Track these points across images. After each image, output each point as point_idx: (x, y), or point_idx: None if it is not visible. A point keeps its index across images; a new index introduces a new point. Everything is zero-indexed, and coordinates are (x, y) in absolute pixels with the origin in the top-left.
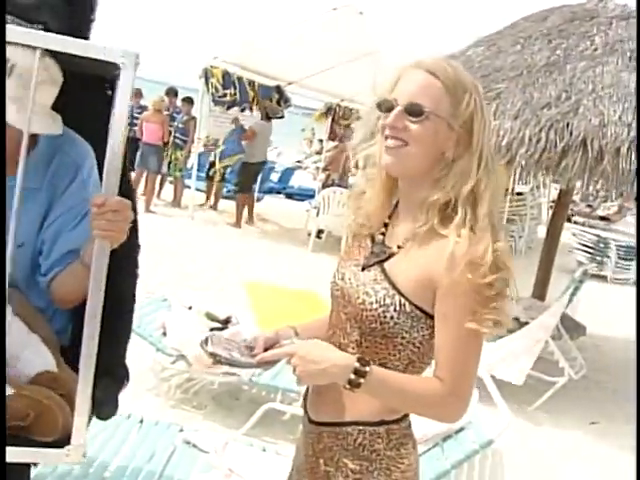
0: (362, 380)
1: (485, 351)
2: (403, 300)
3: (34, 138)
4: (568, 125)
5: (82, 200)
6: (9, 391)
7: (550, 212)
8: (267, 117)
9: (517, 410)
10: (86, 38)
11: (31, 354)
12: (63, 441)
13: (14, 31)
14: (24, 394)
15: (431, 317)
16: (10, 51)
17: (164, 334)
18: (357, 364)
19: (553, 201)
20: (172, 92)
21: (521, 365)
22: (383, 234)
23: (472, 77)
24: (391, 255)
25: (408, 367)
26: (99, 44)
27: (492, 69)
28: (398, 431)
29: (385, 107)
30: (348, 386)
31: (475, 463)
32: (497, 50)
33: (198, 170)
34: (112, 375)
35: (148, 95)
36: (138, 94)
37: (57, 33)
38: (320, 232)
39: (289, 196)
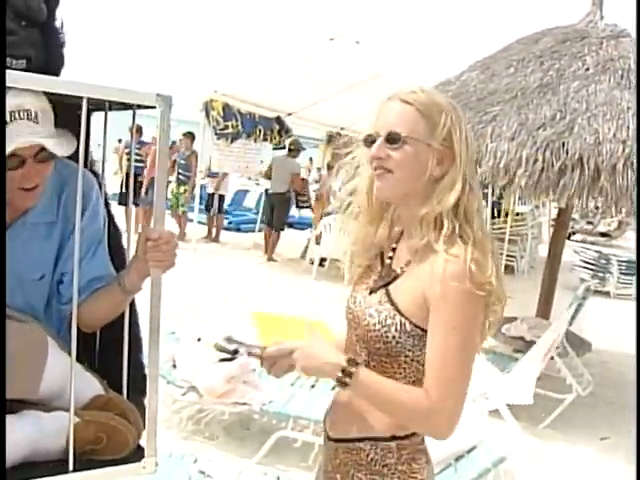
0: (348, 380)
1: (501, 382)
2: (403, 320)
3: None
4: (564, 144)
5: (96, 229)
6: (75, 420)
7: (551, 231)
8: (289, 150)
9: (527, 428)
10: (61, 66)
11: (80, 382)
12: (131, 456)
13: (56, 82)
14: (89, 419)
15: None
16: (26, 102)
17: (174, 366)
18: (345, 364)
19: (554, 219)
20: (190, 135)
21: (526, 384)
22: (391, 258)
23: (447, 98)
24: (395, 277)
25: (415, 384)
26: (136, 90)
27: (487, 92)
28: (409, 446)
29: (369, 141)
30: (337, 383)
31: None
32: (491, 74)
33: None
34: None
35: (147, 130)
36: (138, 130)
37: (39, 65)
38: (323, 260)
39: (290, 225)
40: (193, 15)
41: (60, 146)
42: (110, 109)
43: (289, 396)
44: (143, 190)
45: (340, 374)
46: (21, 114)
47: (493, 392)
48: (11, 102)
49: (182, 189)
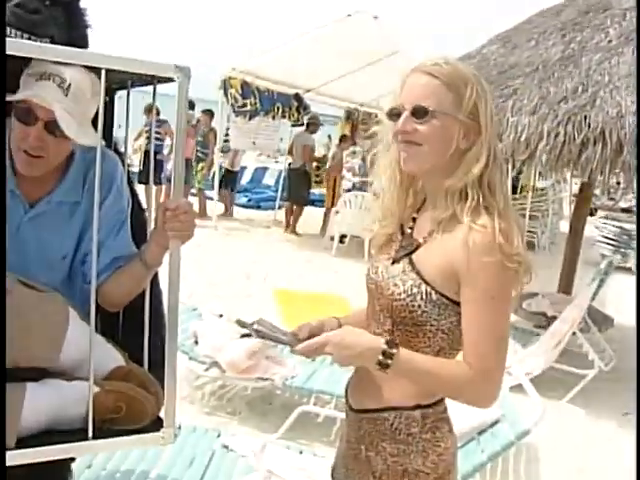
0: (390, 361)
1: (521, 357)
2: (429, 289)
3: (71, 154)
4: (586, 118)
5: (119, 210)
6: (94, 389)
7: (572, 206)
8: (308, 126)
9: (549, 404)
10: (85, 46)
11: (101, 353)
12: (151, 427)
13: (74, 52)
14: (109, 389)
15: (457, 304)
16: (66, 72)
17: (196, 342)
18: (385, 346)
19: (575, 195)
20: (209, 113)
21: (547, 357)
22: (411, 228)
23: (471, 69)
24: (418, 246)
25: (439, 354)
26: (154, 61)
27: (508, 66)
28: (433, 415)
29: (394, 114)
30: (378, 367)
31: (510, 458)
32: (512, 46)
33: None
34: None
35: (165, 110)
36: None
37: (62, 44)
38: (343, 237)
39: (310, 202)
40: None
41: (71, 127)
42: (132, 86)
43: (311, 371)
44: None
45: (381, 357)
46: (54, 78)
47: (515, 367)
48: (48, 69)
49: (200, 166)
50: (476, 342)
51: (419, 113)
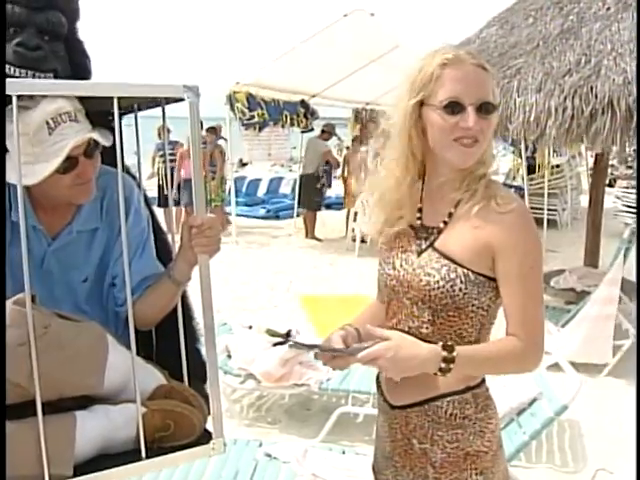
0: (452, 365)
1: (558, 338)
2: (466, 271)
3: None
4: (592, 89)
5: (141, 231)
6: (142, 410)
7: (590, 180)
8: (322, 132)
9: (588, 379)
10: (88, 75)
11: (142, 374)
12: (200, 440)
13: (85, 85)
14: (155, 408)
15: (492, 279)
16: (67, 106)
17: (229, 357)
18: (444, 353)
19: (591, 168)
20: (213, 130)
21: (604, 346)
22: (419, 217)
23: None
24: (439, 232)
25: (481, 331)
26: (163, 84)
27: (508, 46)
28: (482, 394)
29: (453, 108)
30: (439, 373)
31: (554, 437)
32: (510, 27)
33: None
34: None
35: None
36: (167, 130)
37: (66, 76)
38: (364, 237)
39: (328, 206)
40: (199, 13)
41: (105, 137)
42: (139, 109)
43: (345, 372)
44: (174, 187)
45: (443, 364)
46: (63, 117)
47: (551, 346)
48: (49, 108)
49: (212, 184)
50: (522, 313)
51: (487, 109)
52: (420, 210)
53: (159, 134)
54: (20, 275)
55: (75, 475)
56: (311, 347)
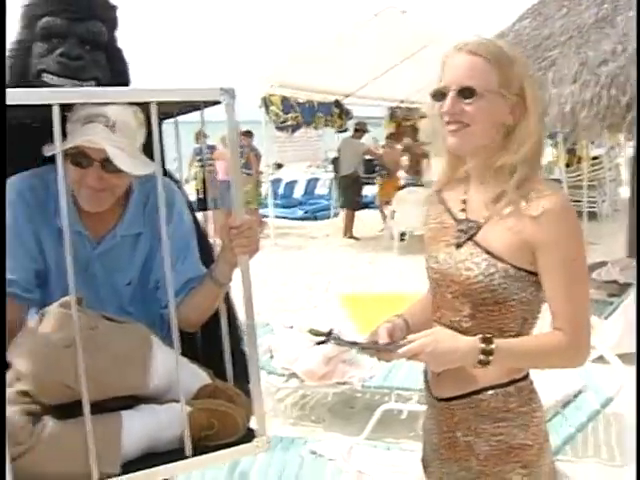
0: (490, 357)
1: (602, 330)
2: (506, 266)
3: (130, 187)
4: (629, 78)
5: (184, 233)
6: (187, 409)
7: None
8: (355, 131)
9: (632, 370)
10: (127, 82)
11: (187, 373)
12: (244, 438)
13: (124, 92)
14: (201, 407)
15: (532, 274)
16: (109, 110)
17: (271, 357)
18: (483, 345)
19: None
20: (248, 134)
21: None
22: (463, 210)
23: (512, 45)
24: (479, 227)
25: (524, 325)
26: (200, 88)
27: (542, 38)
28: (526, 387)
29: (439, 96)
30: (479, 366)
31: (600, 431)
32: (544, 18)
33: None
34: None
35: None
36: (203, 135)
37: (107, 84)
38: (402, 234)
39: (365, 205)
40: (230, 17)
41: (124, 161)
42: (178, 114)
43: (388, 369)
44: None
45: (481, 357)
46: (100, 119)
47: (594, 339)
48: (92, 111)
49: (247, 187)
50: (566, 307)
51: (466, 93)
52: (464, 202)
53: (196, 138)
54: (66, 279)
55: (122, 473)
56: (354, 344)
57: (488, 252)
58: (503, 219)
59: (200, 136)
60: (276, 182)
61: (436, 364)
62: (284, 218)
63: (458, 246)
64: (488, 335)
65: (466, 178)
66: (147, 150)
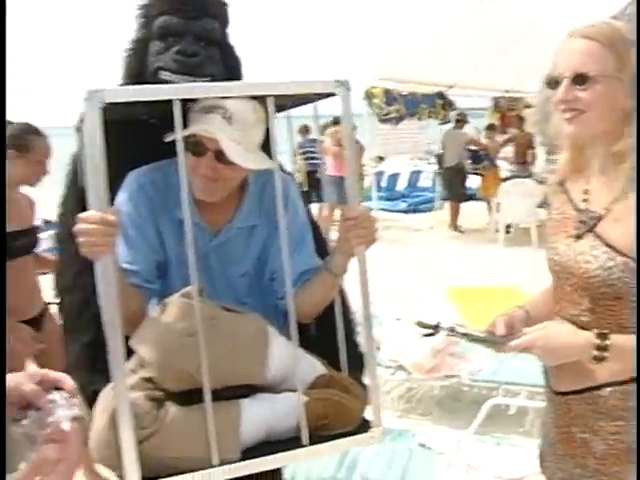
0: (606, 354)
1: None
2: (626, 259)
3: (246, 180)
4: None
5: (299, 225)
6: (303, 399)
7: None
8: (457, 122)
9: None
10: (240, 77)
11: (303, 364)
12: (359, 428)
13: (241, 86)
14: (316, 397)
15: None
16: (228, 103)
17: (378, 348)
18: (598, 341)
19: None
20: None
21: None
22: (585, 200)
23: (629, 26)
24: (599, 218)
25: None
26: (314, 80)
27: None
28: None
29: (553, 83)
30: (594, 362)
31: None
32: None
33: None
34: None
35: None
36: (307, 129)
37: (222, 80)
38: (508, 227)
39: (469, 197)
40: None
41: (237, 154)
42: (292, 106)
43: (497, 363)
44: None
45: (596, 352)
46: (218, 110)
47: None
48: (211, 102)
49: None
50: None
51: (580, 80)
52: (587, 192)
53: (300, 132)
54: (187, 271)
55: (241, 460)
56: (466, 335)
57: (608, 245)
58: (623, 210)
59: (307, 129)
60: (379, 175)
61: (549, 358)
62: (387, 211)
63: (578, 237)
64: (604, 331)
65: (589, 167)
66: (263, 144)
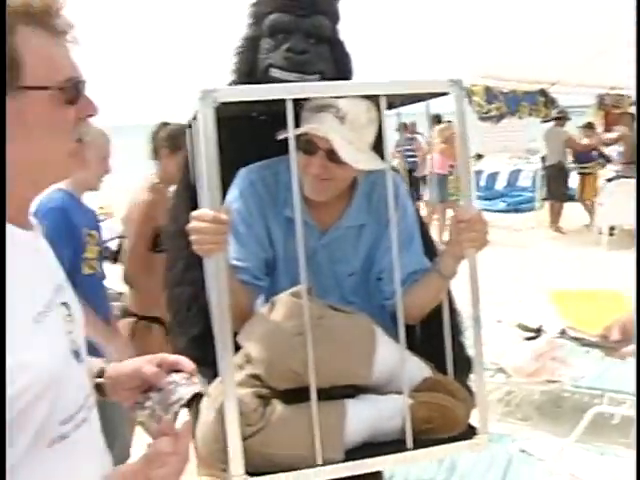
0: None
1: None
2: None
3: (356, 178)
4: None
5: (407, 226)
6: (408, 401)
7: None
8: (557, 119)
9: None
10: (350, 75)
11: (409, 366)
12: (463, 434)
13: (355, 85)
14: (422, 400)
15: None
16: (341, 102)
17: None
18: None
19: None
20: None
21: None
22: None
23: None
24: None
25: None
26: (428, 79)
27: None
28: None
29: None
30: None
31: None
32: None
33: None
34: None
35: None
36: (406, 127)
37: (331, 77)
38: (612, 228)
39: (571, 197)
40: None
41: (348, 153)
42: (401, 104)
43: (601, 370)
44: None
45: None
46: (330, 110)
47: None
48: (324, 101)
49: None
50: None
51: None
52: None
53: (399, 130)
54: (294, 268)
55: (344, 460)
56: (577, 339)
57: None
58: None
59: (406, 127)
60: (478, 174)
61: None
62: (485, 210)
63: None
64: None
65: None
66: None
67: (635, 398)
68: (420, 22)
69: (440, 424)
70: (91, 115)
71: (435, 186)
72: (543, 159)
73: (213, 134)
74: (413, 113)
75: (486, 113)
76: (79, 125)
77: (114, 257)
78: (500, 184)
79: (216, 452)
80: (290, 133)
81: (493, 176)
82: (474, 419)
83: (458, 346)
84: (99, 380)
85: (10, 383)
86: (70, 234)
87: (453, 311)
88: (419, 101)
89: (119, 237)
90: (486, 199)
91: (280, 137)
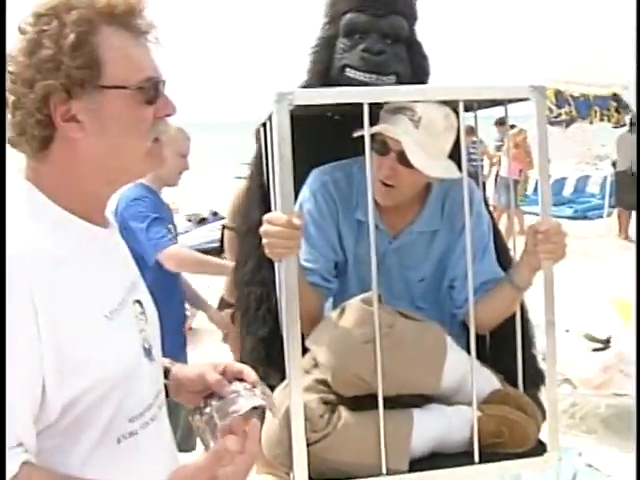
0: None
1: None
2: None
3: (430, 183)
4: None
5: (482, 234)
6: (477, 413)
7: None
8: (631, 125)
9: None
10: (426, 77)
11: (478, 377)
12: (532, 450)
13: (430, 90)
14: (490, 413)
15: None
16: (418, 106)
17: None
18: None
19: None
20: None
21: None
22: None
23: None
24: None
25: None
26: (509, 85)
27: None
28: None
29: None
30: None
31: None
32: None
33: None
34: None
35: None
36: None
37: (407, 79)
38: None
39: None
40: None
41: (419, 158)
42: (479, 108)
43: None
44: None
45: None
46: (406, 112)
47: None
48: (401, 103)
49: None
50: None
51: None
52: None
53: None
54: (364, 272)
55: (409, 471)
56: None
57: None
58: None
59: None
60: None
61: None
62: (552, 217)
63: None
64: None
65: None
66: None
67: None
68: (491, 26)
69: (509, 439)
70: (169, 114)
71: (504, 191)
72: (614, 165)
73: (288, 137)
74: (472, 115)
75: (556, 117)
76: (157, 124)
77: (219, 249)
78: (567, 190)
79: (280, 456)
80: (366, 136)
81: (561, 182)
82: (543, 433)
83: (529, 358)
84: (164, 381)
85: (81, 377)
86: (160, 220)
87: (526, 322)
88: (497, 106)
89: (224, 227)
90: (553, 205)
91: (356, 135)
